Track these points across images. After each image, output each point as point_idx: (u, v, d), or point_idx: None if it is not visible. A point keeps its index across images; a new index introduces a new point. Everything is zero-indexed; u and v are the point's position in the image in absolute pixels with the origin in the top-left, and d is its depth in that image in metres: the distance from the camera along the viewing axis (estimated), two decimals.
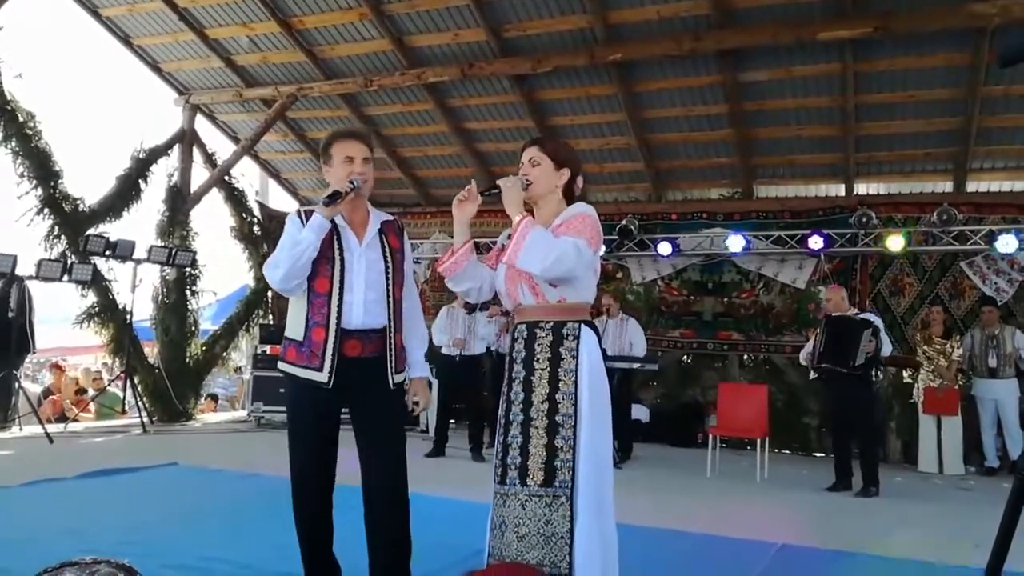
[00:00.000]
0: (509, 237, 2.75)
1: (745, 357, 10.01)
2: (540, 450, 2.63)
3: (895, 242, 8.59)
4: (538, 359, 2.70)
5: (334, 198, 2.83)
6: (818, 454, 9.15)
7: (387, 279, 2.95)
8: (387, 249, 2.99)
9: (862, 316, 6.82)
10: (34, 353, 9.52)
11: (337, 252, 2.90)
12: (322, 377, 2.84)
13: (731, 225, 9.75)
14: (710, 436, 7.63)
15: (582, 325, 2.72)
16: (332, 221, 2.92)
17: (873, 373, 6.90)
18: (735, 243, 9.24)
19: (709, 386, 9.70)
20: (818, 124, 8.94)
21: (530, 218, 2.68)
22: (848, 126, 8.68)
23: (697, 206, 10.36)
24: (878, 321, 6.76)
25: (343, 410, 2.98)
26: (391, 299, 2.95)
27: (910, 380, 8.64)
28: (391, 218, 3.12)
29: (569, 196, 2.85)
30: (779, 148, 9.46)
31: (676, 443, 9.37)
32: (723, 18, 7.83)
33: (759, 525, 5.10)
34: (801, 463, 8.54)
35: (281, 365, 2.98)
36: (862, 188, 9.65)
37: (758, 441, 7.21)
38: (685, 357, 10.32)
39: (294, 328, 2.95)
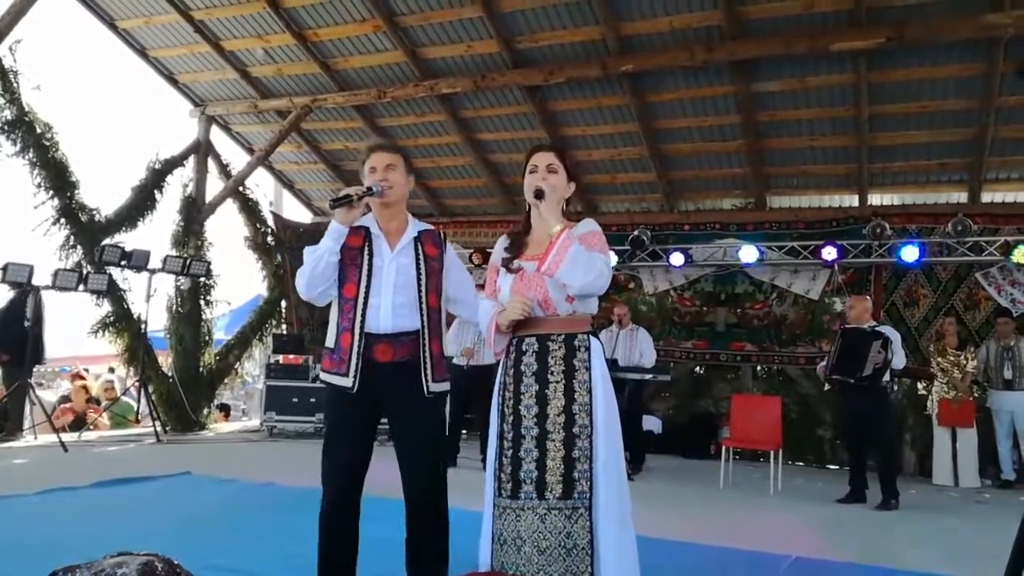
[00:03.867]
0: (508, 250, 2.84)
1: (758, 368, 9.98)
2: (558, 463, 2.63)
3: (910, 253, 8.53)
4: (552, 371, 2.70)
5: (342, 200, 2.80)
6: (833, 466, 9.09)
7: (419, 284, 2.91)
8: (421, 256, 2.96)
9: (876, 328, 6.76)
10: (43, 364, 9.58)
11: (367, 258, 2.90)
12: (347, 382, 2.83)
13: (744, 236, 9.74)
14: (723, 448, 7.59)
15: (590, 336, 2.77)
16: (367, 229, 2.93)
17: (888, 384, 6.84)
18: (748, 254, 9.22)
19: (722, 397, 9.68)
20: (832, 135, 8.93)
21: (569, 230, 2.71)
22: (862, 136, 8.67)
23: (710, 216, 10.35)
24: (892, 334, 6.70)
25: (381, 419, 2.97)
26: (424, 305, 2.91)
27: (924, 392, 8.58)
28: (431, 228, 3.10)
29: (564, 211, 2.91)
30: (792, 159, 9.45)
31: (689, 455, 9.34)
32: (736, 29, 7.83)
33: (772, 537, 5.07)
34: (816, 475, 8.48)
35: (320, 375, 2.99)
36: (876, 199, 9.62)
37: (772, 453, 7.16)
38: (698, 368, 10.30)
39: (329, 337, 2.96)
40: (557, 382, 2.69)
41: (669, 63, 8.36)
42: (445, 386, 2.99)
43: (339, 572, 2.92)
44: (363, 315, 2.84)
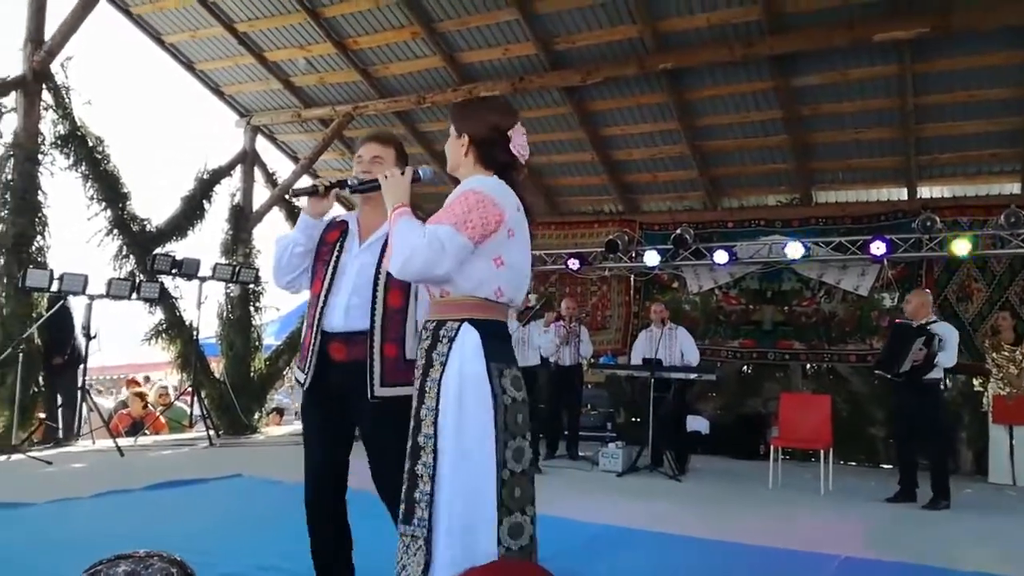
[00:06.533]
0: None
1: (807, 366, 9.81)
2: (404, 477, 2.22)
3: (961, 246, 8.33)
4: (417, 366, 2.30)
5: (304, 191, 2.77)
6: (886, 466, 8.89)
7: (376, 284, 2.74)
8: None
9: (927, 324, 6.53)
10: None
11: (335, 255, 2.82)
12: (302, 378, 2.80)
13: (790, 232, 9.59)
14: (772, 448, 7.48)
15: (464, 324, 2.21)
16: (346, 224, 2.87)
17: (939, 382, 6.65)
18: (794, 250, 9.08)
19: (771, 396, 9.52)
20: (877, 127, 8.76)
21: (402, 209, 2.30)
22: (908, 128, 8.49)
23: (754, 213, 10.24)
24: (946, 332, 6.46)
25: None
26: (380, 305, 2.72)
27: (980, 389, 8.36)
28: None
29: (492, 165, 2.40)
30: (837, 152, 9.30)
31: (737, 455, 9.21)
32: (774, 23, 7.73)
33: (821, 538, 5.00)
34: (868, 475, 8.31)
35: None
36: (925, 191, 9.42)
37: (822, 452, 7.05)
38: (745, 367, 10.16)
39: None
40: (416, 378, 2.27)
41: (708, 59, 8.28)
42: (401, 390, 2.57)
43: (328, 569, 2.89)
44: (321, 313, 2.76)
